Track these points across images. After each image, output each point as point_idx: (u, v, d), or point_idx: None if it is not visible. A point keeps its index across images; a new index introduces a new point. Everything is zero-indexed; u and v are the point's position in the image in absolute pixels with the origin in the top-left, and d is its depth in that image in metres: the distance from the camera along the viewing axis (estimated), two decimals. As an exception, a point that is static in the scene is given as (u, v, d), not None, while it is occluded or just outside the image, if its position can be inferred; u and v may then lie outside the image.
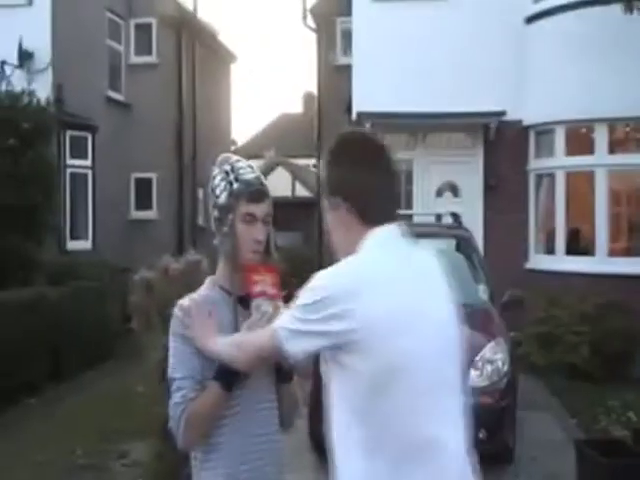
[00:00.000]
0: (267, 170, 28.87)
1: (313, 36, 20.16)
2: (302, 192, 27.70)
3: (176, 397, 2.53)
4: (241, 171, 2.62)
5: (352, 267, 2.12)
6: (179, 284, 5.90)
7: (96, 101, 15.91)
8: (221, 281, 2.68)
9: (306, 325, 2.08)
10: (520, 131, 12.99)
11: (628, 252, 12.42)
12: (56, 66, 13.96)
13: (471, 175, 13.30)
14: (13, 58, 13.55)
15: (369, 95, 13.10)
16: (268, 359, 2.35)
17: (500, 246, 12.30)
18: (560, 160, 12.61)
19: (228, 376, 2.46)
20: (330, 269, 2.13)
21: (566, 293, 10.70)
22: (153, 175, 18.17)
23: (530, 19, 12.91)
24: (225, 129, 24.05)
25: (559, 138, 12.61)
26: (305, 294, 2.13)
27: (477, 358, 6.86)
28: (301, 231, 22.46)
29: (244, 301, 2.58)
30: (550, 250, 12.80)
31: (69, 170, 14.56)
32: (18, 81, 12.79)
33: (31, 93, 11.70)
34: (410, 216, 12.31)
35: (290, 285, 2.62)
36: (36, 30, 13.66)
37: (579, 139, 12.70)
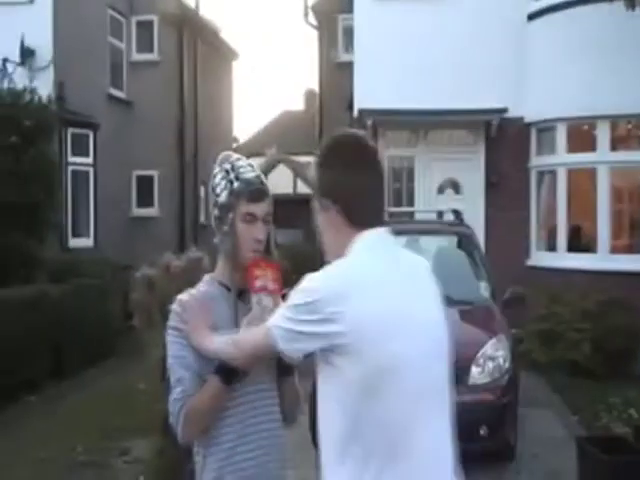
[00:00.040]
0: (268, 167, 28.80)
1: (315, 33, 20.18)
2: (303, 189, 27.67)
3: (175, 392, 2.54)
4: (241, 170, 2.62)
5: (341, 270, 2.13)
6: (180, 281, 5.91)
7: (98, 98, 15.91)
8: (220, 277, 2.69)
9: (298, 326, 2.09)
10: (522, 128, 12.98)
11: (630, 249, 12.40)
12: (58, 64, 13.97)
13: (472, 172, 13.29)
14: (15, 55, 13.56)
15: (371, 92, 13.08)
16: (265, 356, 2.36)
17: (501, 243, 12.29)
18: (562, 157, 12.60)
19: (228, 370, 2.46)
20: (320, 272, 2.14)
21: (568, 290, 10.68)
22: (155, 172, 18.16)
23: (531, 16, 12.89)
24: (227, 126, 24.06)
25: (561, 135, 12.60)
26: (296, 295, 2.14)
27: (479, 355, 6.87)
28: (302, 228, 22.45)
29: (243, 296, 2.59)
30: (551, 247, 12.79)
31: (71, 168, 14.57)
32: (20, 79, 12.82)
33: (33, 91, 11.71)
34: (412, 213, 12.32)
35: (291, 283, 2.62)
36: (38, 28, 13.67)
37: (581, 136, 12.68)
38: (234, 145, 25.62)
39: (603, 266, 11.59)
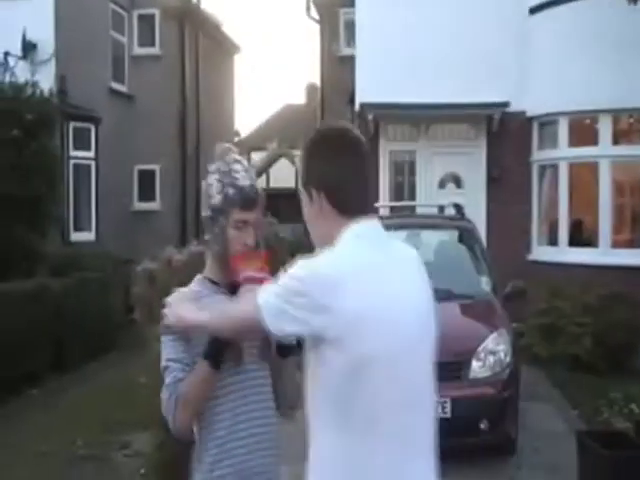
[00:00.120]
0: (270, 162, 28.85)
1: (316, 27, 20.20)
2: (305, 184, 27.66)
3: (166, 380, 2.57)
4: (237, 175, 2.63)
5: (330, 260, 2.13)
6: (182, 275, 5.90)
7: (99, 92, 15.91)
8: (210, 276, 2.73)
9: (286, 305, 2.10)
10: (523, 122, 12.96)
11: (631, 243, 12.40)
12: (59, 57, 13.97)
13: (474, 166, 13.27)
14: (17, 49, 13.56)
15: (372, 86, 13.06)
16: (252, 329, 2.33)
17: (503, 237, 12.29)
18: (563, 151, 12.59)
19: (217, 354, 2.50)
20: (310, 260, 2.14)
21: (569, 284, 10.68)
22: (156, 167, 18.15)
23: (534, 10, 12.87)
24: (228, 121, 24.03)
25: (562, 129, 12.59)
26: (287, 279, 2.15)
27: (480, 349, 6.88)
28: (303, 222, 22.49)
29: (233, 290, 2.61)
30: (553, 241, 12.79)
31: (72, 161, 14.57)
32: (21, 72, 12.82)
33: (34, 84, 11.73)
34: (413, 207, 12.31)
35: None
36: (39, 21, 13.67)
37: (583, 130, 12.67)
38: (236, 139, 25.60)
39: (604, 260, 11.60)
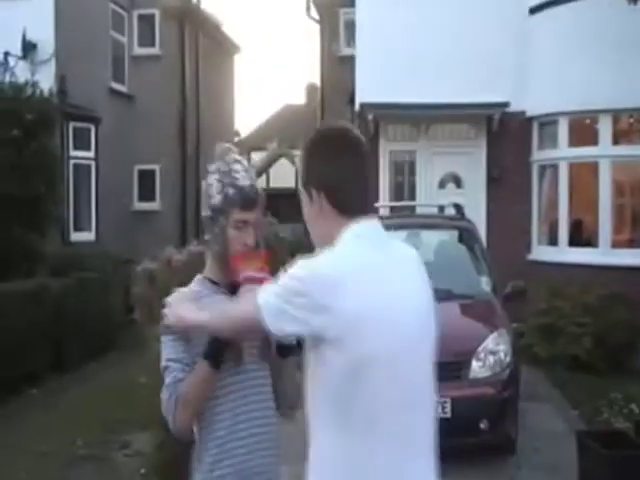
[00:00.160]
0: (270, 162, 28.85)
1: (316, 27, 20.20)
2: (305, 183, 27.66)
3: (166, 380, 2.57)
4: (237, 175, 2.64)
5: (330, 260, 2.13)
6: (182, 275, 5.90)
7: (99, 92, 15.91)
8: (210, 276, 2.73)
9: (286, 305, 2.10)
10: (523, 122, 12.96)
11: (631, 244, 12.39)
12: (59, 57, 13.96)
13: (474, 166, 13.27)
14: (17, 49, 13.55)
15: (372, 86, 13.06)
16: (252, 329, 2.33)
17: (503, 237, 12.29)
18: (563, 151, 12.58)
19: (217, 354, 2.50)
20: (310, 260, 2.14)
21: (569, 284, 10.69)
22: (156, 167, 18.15)
23: (534, 10, 12.86)
24: (228, 121, 24.03)
25: (562, 129, 12.58)
26: (287, 279, 2.15)
27: (479, 349, 6.88)
28: (303, 222, 22.48)
29: (233, 290, 2.61)
30: (553, 241, 12.78)
31: (72, 161, 14.57)
32: (21, 72, 12.81)
33: (34, 84, 11.73)
34: (413, 207, 12.31)
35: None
36: (40, 21, 13.67)
37: (583, 130, 12.67)
38: (236, 139, 25.60)
39: (604, 260, 11.59)
